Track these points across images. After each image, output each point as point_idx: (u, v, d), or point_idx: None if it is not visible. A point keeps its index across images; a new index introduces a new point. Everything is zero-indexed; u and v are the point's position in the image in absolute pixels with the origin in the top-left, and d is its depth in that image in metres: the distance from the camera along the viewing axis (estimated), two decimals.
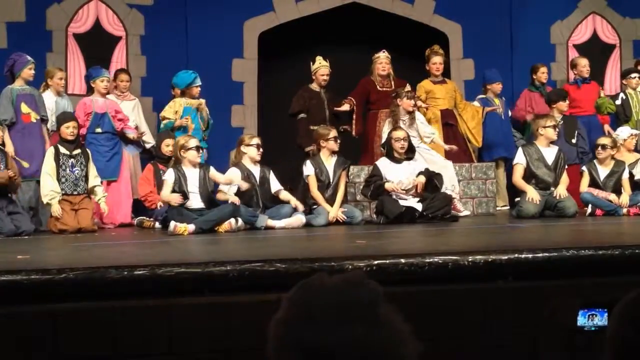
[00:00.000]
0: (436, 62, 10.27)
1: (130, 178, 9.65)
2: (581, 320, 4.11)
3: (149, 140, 10.06)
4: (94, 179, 8.76)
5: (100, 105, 9.35)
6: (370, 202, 9.04)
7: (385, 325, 1.45)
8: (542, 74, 11.06)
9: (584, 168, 9.32)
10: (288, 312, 1.49)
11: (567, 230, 7.01)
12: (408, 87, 9.78)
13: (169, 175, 8.22)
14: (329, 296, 1.47)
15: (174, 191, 8.15)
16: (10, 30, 10.28)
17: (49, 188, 8.46)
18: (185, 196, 8.12)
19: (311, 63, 10.02)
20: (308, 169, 8.84)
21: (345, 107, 9.92)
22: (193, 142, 8.32)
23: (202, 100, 9.69)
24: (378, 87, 10.05)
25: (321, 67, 9.95)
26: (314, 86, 10.00)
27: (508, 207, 10.26)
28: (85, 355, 4.03)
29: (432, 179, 8.76)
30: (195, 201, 8.14)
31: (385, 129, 9.43)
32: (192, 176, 8.23)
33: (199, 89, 9.67)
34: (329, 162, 8.90)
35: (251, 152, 8.62)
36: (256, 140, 8.72)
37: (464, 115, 10.25)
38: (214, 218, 7.94)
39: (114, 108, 9.46)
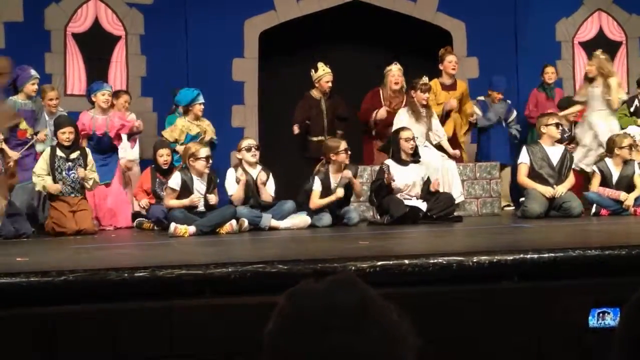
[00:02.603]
0: (452, 60, 10.15)
1: (129, 183, 9.60)
2: (592, 320, 4.08)
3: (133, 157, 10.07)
4: (92, 172, 8.70)
5: (99, 124, 9.22)
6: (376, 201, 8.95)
7: (375, 328, 1.41)
8: (545, 75, 11.00)
9: (594, 167, 9.25)
10: (274, 322, 1.46)
11: (572, 230, 6.96)
12: (424, 79, 9.60)
13: (175, 181, 8.11)
14: (314, 304, 1.43)
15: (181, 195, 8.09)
16: (8, 31, 10.23)
17: (38, 181, 8.45)
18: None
19: (313, 71, 9.89)
20: (316, 185, 8.63)
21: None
22: (203, 152, 8.13)
23: (206, 125, 9.54)
24: (384, 104, 9.93)
25: (325, 74, 9.81)
26: (315, 93, 9.87)
27: (513, 207, 10.20)
28: (85, 358, 3.99)
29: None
30: (199, 205, 8.09)
31: (402, 117, 9.38)
32: (199, 182, 8.16)
33: (202, 106, 9.46)
34: (336, 177, 8.69)
35: (245, 156, 8.50)
36: (247, 143, 8.56)
37: (457, 121, 10.19)
38: (215, 220, 7.89)
39: (115, 127, 9.33)
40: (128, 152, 9.87)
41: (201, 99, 9.43)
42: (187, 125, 9.37)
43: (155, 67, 10.74)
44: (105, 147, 9.27)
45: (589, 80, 9.87)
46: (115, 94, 9.92)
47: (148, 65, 10.89)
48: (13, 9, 10.29)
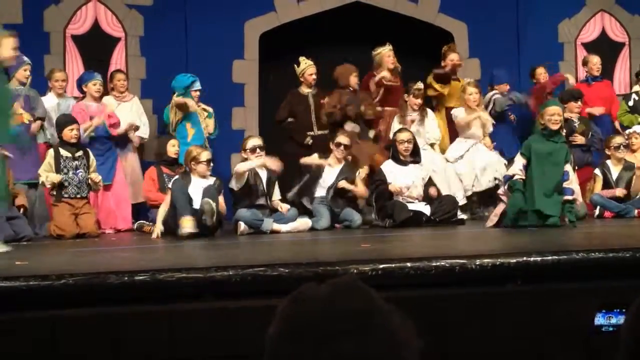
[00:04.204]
0: (454, 58, 10.16)
1: (129, 183, 9.55)
2: (596, 322, 4.05)
3: (144, 135, 9.99)
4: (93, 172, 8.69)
5: (93, 110, 9.25)
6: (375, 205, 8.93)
7: (382, 332, 1.41)
8: (539, 75, 10.92)
9: (596, 171, 9.23)
10: (278, 327, 1.45)
11: (576, 233, 6.93)
12: (418, 85, 9.62)
13: (175, 187, 8.04)
14: (319, 309, 1.42)
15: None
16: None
17: (43, 178, 8.39)
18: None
19: (295, 66, 9.87)
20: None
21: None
22: (205, 156, 8.14)
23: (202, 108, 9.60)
24: (383, 82, 9.94)
25: (308, 67, 9.79)
26: (303, 89, 9.83)
27: None
28: None
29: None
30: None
31: (395, 125, 9.40)
32: (198, 185, 8.12)
33: (198, 93, 9.55)
34: (334, 169, 8.76)
35: (250, 158, 8.45)
36: (251, 144, 8.51)
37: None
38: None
39: (107, 113, 9.35)
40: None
41: (197, 85, 9.52)
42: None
43: (155, 69, 10.70)
44: (99, 132, 9.23)
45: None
46: (110, 77, 9.96)
47: (148, 67, 10.86)
48: (12, 11, 10.27)
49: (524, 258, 4.54)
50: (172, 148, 9.30)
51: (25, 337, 3.93)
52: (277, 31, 11.30)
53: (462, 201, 9.14)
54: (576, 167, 8.88)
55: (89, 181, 8.55)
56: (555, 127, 7.48)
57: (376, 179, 8.73)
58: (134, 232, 8.98)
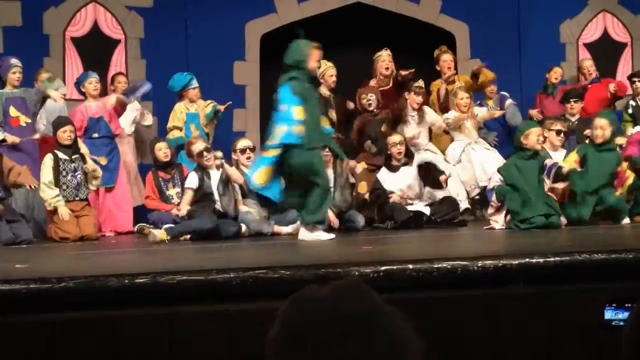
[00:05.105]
0: (446, 59, 10.18)
1: (130, 185, 9.55)
2: (600, 323, 4.04)
3: (148, 122, 10.03)
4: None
5: (94, 110, 9.25)
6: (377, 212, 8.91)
7: (385, 334, 1.40)
8: (552, 74, 10.93)
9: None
10: (279, 329, 1.43)
11: (578, 234, 6.92)
12: (419, 83, 9.66)
13: (191, 180, 8.21)
14: (320, 311, 1.41)
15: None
16: (7, 35, 10.20)
17: (51, 196, 8.31)
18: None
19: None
20: None
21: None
22: (196, 148, 8.29)
23: (203, 105, 9.64)
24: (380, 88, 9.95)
25: (328, 68, 9.79)
26: (323, 91, 9.82)
27: None
28: None
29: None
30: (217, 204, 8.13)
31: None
32: (216, 179, 8.21)
33: (196, 90, 9.62)
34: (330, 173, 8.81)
35: (240, 158, 8.56)
36: (242, 144, 8.62)
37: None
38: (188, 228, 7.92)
39: (108, 111, 9.33)
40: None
41: (195, 83, 9.59)
42: (184, 107, 9.49)
43: (155, 71, 10.68)
44: (102, 132, 9.22)
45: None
46: (112, 80, 10.00)
47: (148, 69, 10.84)
48: (11, 13, 10.26)
49: (526, 260, 4.52)
50: (160, 152, 9.24)
51: (25, 341, 3.92)
52: (278, 32, 11.28)
53: (464, 203, 9.12)
54: None
55: (86, 170, 8.53)
56: (539, 147, 7.82)
57: (374, 189, 8.72)
58: (135, 235, 8.97)
